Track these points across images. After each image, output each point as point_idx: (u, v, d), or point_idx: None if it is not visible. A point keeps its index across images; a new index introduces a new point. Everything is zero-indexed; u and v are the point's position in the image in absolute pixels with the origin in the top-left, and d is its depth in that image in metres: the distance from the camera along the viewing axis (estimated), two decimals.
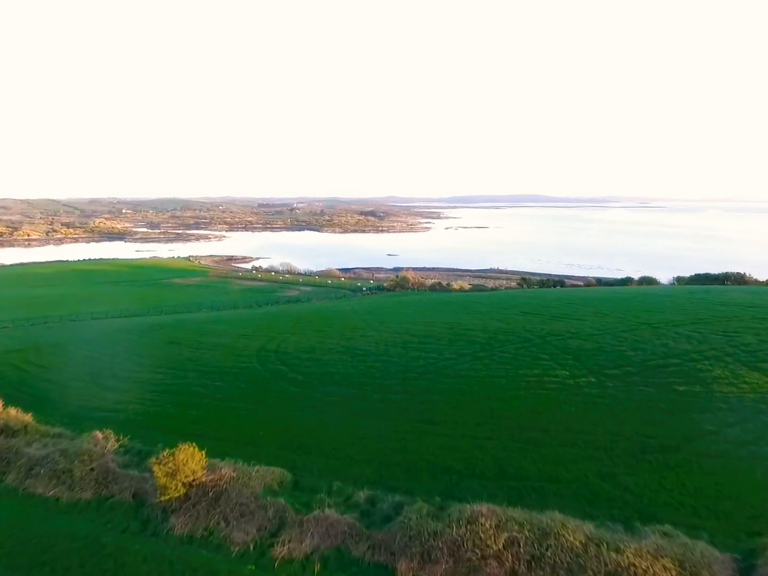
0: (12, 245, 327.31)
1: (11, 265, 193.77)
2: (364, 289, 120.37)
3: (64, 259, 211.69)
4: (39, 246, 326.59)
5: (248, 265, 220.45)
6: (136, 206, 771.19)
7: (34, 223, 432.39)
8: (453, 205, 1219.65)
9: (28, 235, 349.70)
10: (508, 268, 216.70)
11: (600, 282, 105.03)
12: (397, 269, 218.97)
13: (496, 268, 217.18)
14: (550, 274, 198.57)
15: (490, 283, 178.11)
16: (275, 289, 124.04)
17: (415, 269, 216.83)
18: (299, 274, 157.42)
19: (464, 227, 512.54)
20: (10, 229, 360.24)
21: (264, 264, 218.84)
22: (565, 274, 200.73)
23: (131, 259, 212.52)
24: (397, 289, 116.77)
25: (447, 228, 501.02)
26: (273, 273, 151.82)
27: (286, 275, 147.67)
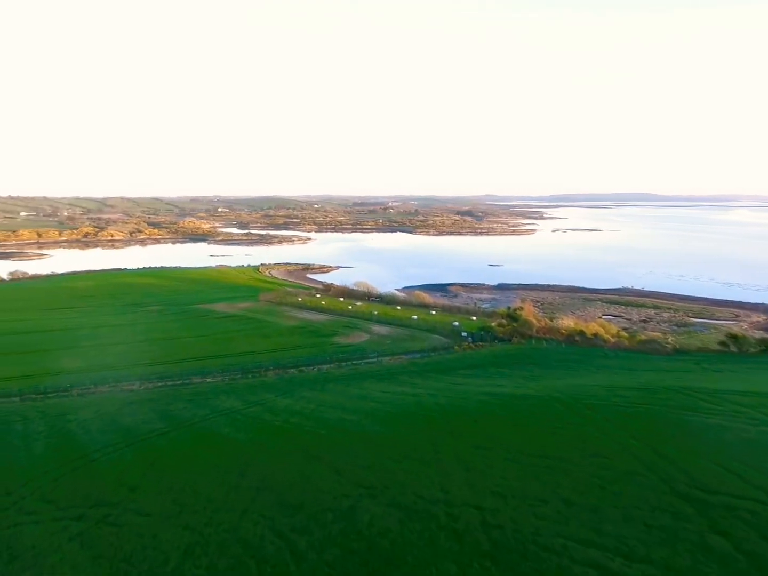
0: (96, 246, 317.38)
1: (62, 274, 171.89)
2: (464, 334, 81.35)
3: (121, 268, 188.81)
4: (122, 247, 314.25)
5: (324, 277, 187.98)
6: (234, 204, 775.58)
7: (127, 222, 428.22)
8: (555, 204, 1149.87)
9: (112, 236, 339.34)
10: (646, 288, 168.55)
11: None
12: (502, 286, 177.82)
13: (630, 287, 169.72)
14: (714, 299, 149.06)
15: (633, 314, 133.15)
16: (336, 329, 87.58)
17: (524, 287, 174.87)
18: (377, 298, 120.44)
19: (573, 230, 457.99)
20: (96, 230, 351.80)
21: (341, 276, 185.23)
22: (731, 299, 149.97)
23: (193, 268, 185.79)
24: (514, 338, 76.89)
25: (554, 230, 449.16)
26: (341, 300, 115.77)
27: (358, 303, 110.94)
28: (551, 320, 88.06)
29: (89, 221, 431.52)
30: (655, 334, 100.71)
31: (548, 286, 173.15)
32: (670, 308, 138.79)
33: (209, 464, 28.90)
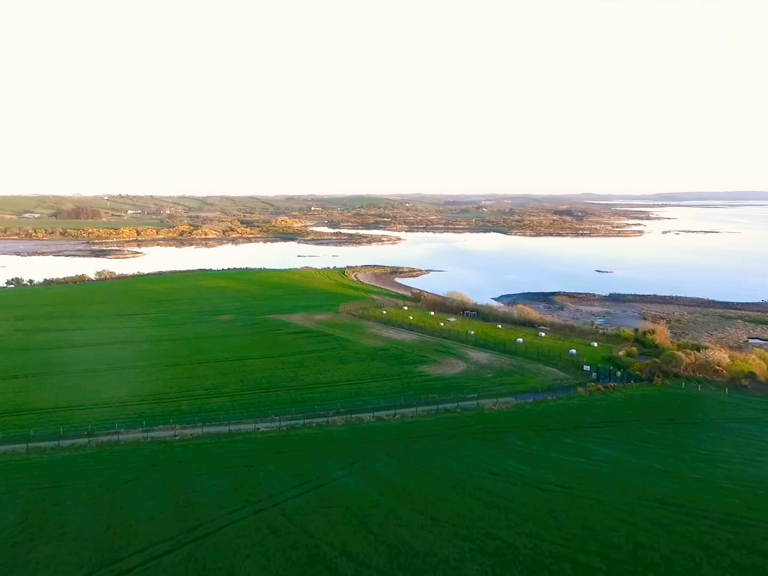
0: (191, 244, 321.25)
1: (147, 274, 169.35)
2: (586, 368, 64.53)
3: (206, 269, 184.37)
4: (215, 246, 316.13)
5: (413, 282, 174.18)
6: (327, 203, 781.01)
7: (222, 221, 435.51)
8: (660, 203, 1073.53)
9: (206, 234, 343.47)
10: None
11: None
12: (614, 297, 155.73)
13: None
14: None
15: None
16: (425, 354, 73.29)
17: (641, 299, 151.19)
18: (473, 312, 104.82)
19: (686, 231, 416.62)
20: (191, 228, 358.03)
21: (432, 281, 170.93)
22: None
23: (276, 270, 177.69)
24: (656, 377, 59.29)
25: (664, 232, 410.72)
26: (432, 314, 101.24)
27: (451, 319, 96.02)
28: (698, 350, 68.98)
29: (188, 219, 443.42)
30: None
31: (671, 298, 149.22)
32: None
33: None
